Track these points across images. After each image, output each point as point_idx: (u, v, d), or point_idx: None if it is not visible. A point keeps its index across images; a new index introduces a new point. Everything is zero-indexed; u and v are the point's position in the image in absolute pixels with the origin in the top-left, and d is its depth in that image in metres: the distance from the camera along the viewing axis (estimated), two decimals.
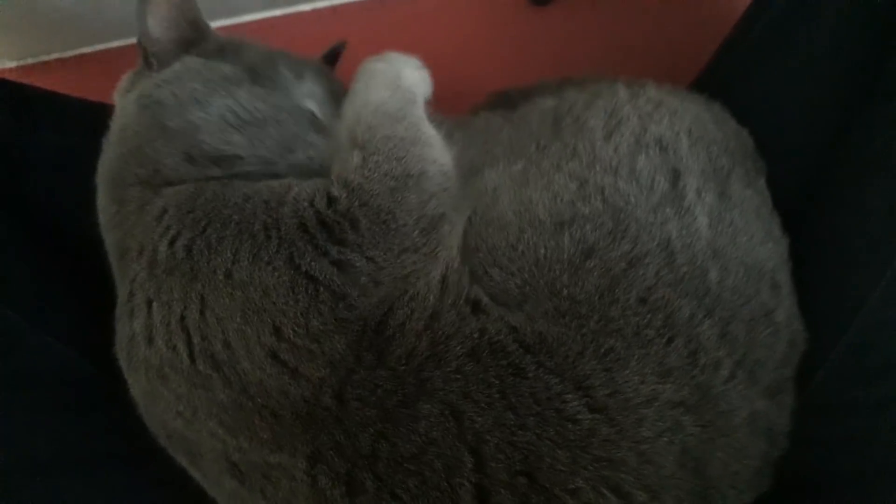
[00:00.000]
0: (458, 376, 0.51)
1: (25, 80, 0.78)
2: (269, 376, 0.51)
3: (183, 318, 0.52)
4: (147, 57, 0.66)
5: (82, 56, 1.14)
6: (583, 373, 0.51)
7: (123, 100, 0.66)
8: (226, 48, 0.67)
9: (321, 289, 0.52)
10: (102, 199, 0.63)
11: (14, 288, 0.62)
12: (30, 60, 1.14)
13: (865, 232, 0.62)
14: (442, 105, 0.96)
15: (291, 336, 0.51)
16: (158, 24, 0.65)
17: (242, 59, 0.66)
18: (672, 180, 0.59)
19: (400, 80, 0.65)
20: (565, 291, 0.54)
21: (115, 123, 0.65)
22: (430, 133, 0.63)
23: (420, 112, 0.64)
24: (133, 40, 1.10)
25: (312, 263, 0.52)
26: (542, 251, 0.55)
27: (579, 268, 0.54)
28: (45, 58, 1.14)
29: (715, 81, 0.80)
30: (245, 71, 0.65)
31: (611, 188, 0.58)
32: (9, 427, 0.56)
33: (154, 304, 0.53)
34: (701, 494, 0.51)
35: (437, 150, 0.61)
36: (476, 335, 0.52)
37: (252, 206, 0.55)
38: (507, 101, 0.84)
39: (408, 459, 0.49)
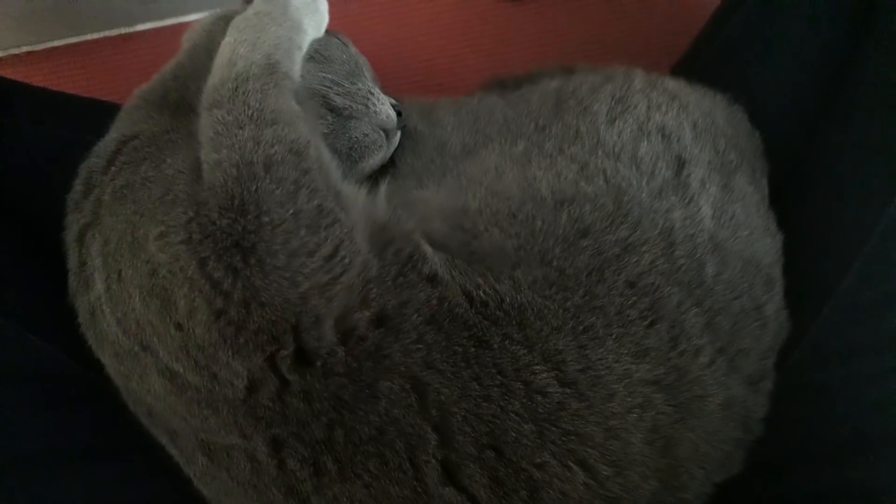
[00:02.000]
0: (420, 346, 0.50)
1: None
2: (186, 370, 0.47)
3: (108, 288, 0.49)
4: None
5: (53, 49, 1.12)
6: (555, 348, 0.51)
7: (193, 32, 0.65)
8: None
9: (219, 296, 0.46)
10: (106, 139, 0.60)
11: None
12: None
13: (836, 219, 0.64)
14: (420, 94, 0.96)
15: (195, 338, 0.46)
16: None
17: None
18: (676, 168, 0.60)
19: (259, 37, 0.58)
20: (555, 262, 0.54)
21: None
22: (278, 107, 0.54)
23: (281, 77, 0.56)
24: (106, 33, 1.11)
25: (213, 257, 0.46)
26: (539, 224, 0.56)
27: (572, 245, 0.55)
28: (14, 51, 1.12)
29: (692, 72, 0.81)
30: (331, 35, 0.68)
31: (612, 170, 0.58)
32: None
33: (95, 274, 0.51)
34: (668, 472, 0.52)
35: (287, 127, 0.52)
36: (434, 302, 0.51)
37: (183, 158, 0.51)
38: (503, 85, 0.85)
39: (365, 442, 0.48)
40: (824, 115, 0.69)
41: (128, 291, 0.48)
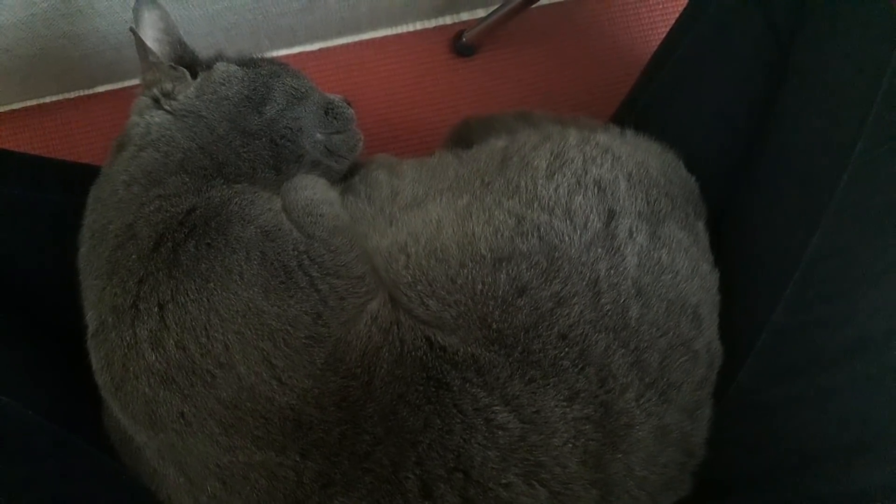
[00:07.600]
0: (391, 379, 0.56)
1: None
2: (260, 381, 0.54)
3: (194, 318, 0.54)
4: (174, 68, 0.68)
5: (11, 112, 1.13)
6: (512, 393, 0.56)
7: (168, 103, 0.67)
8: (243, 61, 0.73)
9: (305, 299, 0.57)
10: (120, 185, 0.63)
11: None
12: None
13: (769, 249, 0.67)
14: (378, 146, 1.00)
15: (283, 343, 0.55)
16: (156, 44, 0.69)
17: (261, 66, 0.72)
18: (606, 220, 0.62)
19: None
20: (495, 325, 0.58)
21: (163, 126, 0.66)
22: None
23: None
24: (66, 95, 1.12)
25: (301, 274, 0.58)
26: (480, 286, 0.59)
27: (511, 305, 0.58)
28: None
29: (631, 118, 0.84)
30: (278, 67, 0.72)
31: (546, 226, 0.61)
32: None
33: (169, 305, 0.55)
34: (604, 484, 0.56)
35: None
36: (398, 344, 0.58)
37: (272, 220, 0.61)
38: (467, 131, 0.91)
39: (363, 458, 0.54)
40: (753, 152, 0.73)
41: (220, 317, 0.55)
